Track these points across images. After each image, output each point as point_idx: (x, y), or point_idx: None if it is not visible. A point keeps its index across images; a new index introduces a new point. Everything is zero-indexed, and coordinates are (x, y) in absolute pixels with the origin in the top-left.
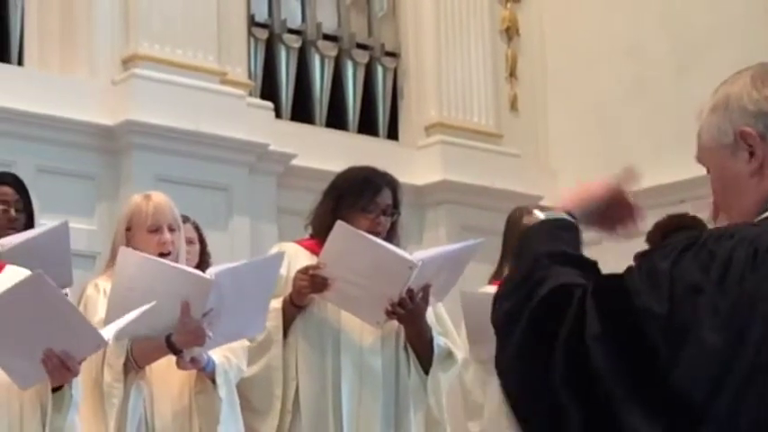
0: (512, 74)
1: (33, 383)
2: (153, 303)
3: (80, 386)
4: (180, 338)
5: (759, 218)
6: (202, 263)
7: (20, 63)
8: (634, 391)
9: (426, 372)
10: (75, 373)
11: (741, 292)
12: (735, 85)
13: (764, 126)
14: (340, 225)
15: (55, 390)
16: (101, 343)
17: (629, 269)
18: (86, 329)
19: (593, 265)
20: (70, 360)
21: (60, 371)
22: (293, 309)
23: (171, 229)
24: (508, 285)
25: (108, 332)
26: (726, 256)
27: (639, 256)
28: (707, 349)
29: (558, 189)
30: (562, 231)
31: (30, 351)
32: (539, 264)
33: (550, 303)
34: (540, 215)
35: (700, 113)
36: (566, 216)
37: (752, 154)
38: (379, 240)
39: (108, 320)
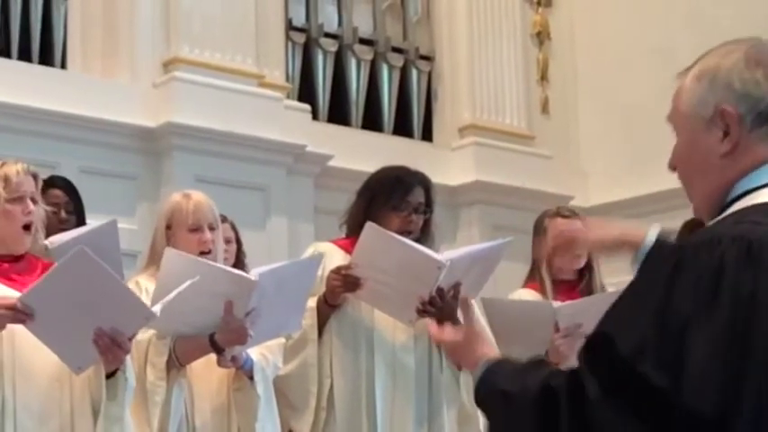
0: (543, 77)
1: (86, 366)
2: (197, 278)
3: (133, 371)
4: (223, 337)
5: (720, 217)
6: (238, 262)
7: (63, 67)
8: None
9: (459, 368)
10: (127, 351)
11: (737, 298)
12: (727, 59)
13: (746, 109)
14: (370, 226)
15: (109, 376)
16: (149, 316)
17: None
18: (134, 303)
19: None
20: (120, 337)
21: (112, 349)
22: (327, 308)
23: (211, 228)
24: None
25: (156, 306)
26: (716, 265)
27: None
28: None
29: (587, 189)
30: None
31: (80, 332)
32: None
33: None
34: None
35: (682, 73)
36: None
37: (726, 134)
38: (407, 241)
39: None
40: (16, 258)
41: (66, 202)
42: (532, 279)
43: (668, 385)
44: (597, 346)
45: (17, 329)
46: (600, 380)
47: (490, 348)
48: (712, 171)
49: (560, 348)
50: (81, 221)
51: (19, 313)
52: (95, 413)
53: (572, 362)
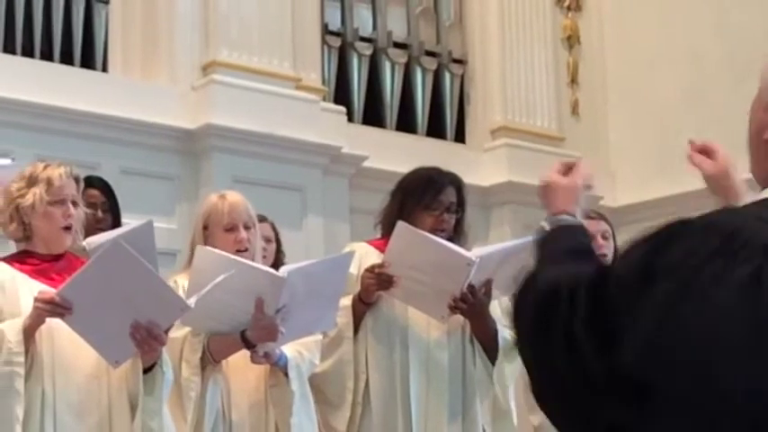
0: (573, 80)
1: (123, 359)
2: (232, 272)
3: (171, 364)
4: (254, 334)
5: (758, 197)
6: (277, 261)
7: (104, 70)
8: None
9: (492, 363)
10: (163, 343)
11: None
12: None
13: None
14: (401, 225)
15: (146, 371)
16: (184, 308)
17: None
18: (169, 296)
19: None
20: (156, 329)
21: (148, 341)
22: (362, 306)
23: (246, 227)
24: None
25: (191, 299)
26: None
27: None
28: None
29: (616, 190)
30: (565, 232)
31: (116, 325)
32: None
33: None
34: (545, 225)
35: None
36: (566, 217)
37: None
38: (437, 239)
39: (184, 319)
40: (56, 258)
41: (102, 202)
42: None
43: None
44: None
45: (56, 326)
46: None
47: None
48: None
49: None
50: (116, 220)
51: (57, 307)
52: (133, 408)
53: None
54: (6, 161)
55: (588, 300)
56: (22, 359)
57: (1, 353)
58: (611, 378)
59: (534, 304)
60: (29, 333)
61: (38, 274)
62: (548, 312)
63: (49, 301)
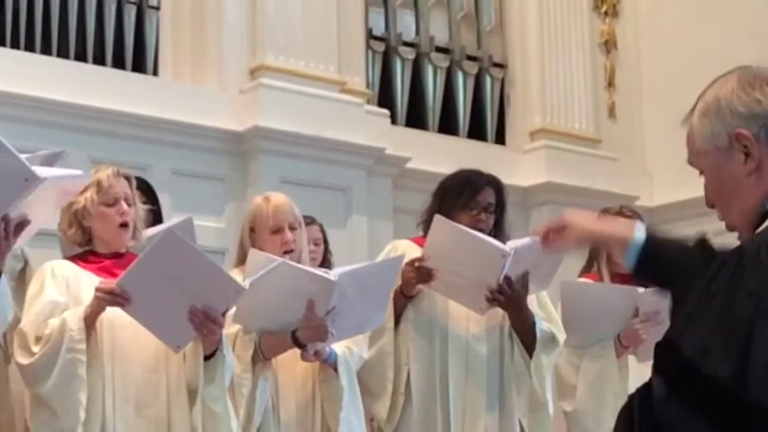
0: (610, 83)
1: (185, 344)
2: (282, 260)
3: (230, 349)
4: (304, 334)
5: (762, 227)
6: (325, 261)
7: (155, 74)
8: None
9: (530, 355)
10: (221, 326)
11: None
12: (723, 89)
13: (757, 127)
14: (438, 218)
15: (207, 359)
16: (239, 290)
17: None
18: (224, 279)
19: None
20: (214, 312)
21: (206, 324)
22: (403, 299)
23: (292, 228)
24: None
25: (246, 281)
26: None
27: None
28: None
29: (652, 189)
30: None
31: (175, 311)
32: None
33: None
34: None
35: (686, 118)
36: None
37: (747, 155)
38: (473, 231)
39: (237, 317)
40: (117, 256)
41: (143, 202)
42: (589, 270)
43: (732, 379)
44: (664, 351)
45: (116, 320)
46: (665, 380)
47: None
48: (745, 191)
49: (639, 332)
50: (158, 220)
51: (117, 297)
52: (191, 398)
53: (646, 346)
54: (77, 172)
55: None
56: (83, 346)
57: (63, 340)
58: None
59: None
60: (89, 321)
61: (101, 271)
62: None
63: (110, 292)
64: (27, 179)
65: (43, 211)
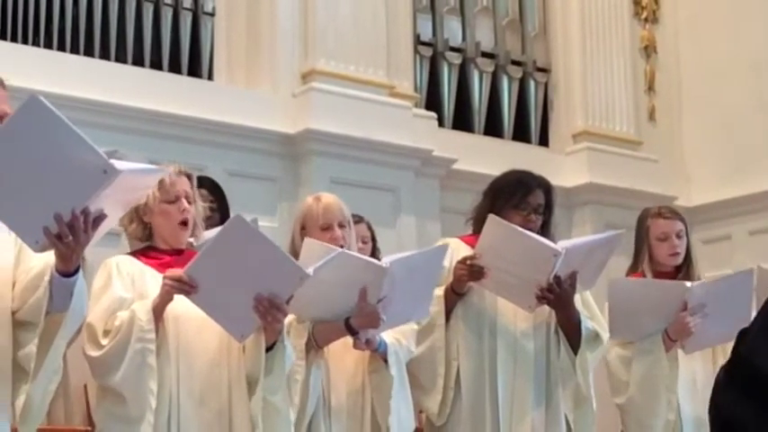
0: (650, 87)
1: (249, 333)
2: (340, 250)
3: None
4: (358, 321)
5: None
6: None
7: (210, 78)
8: None
9: (575, 352)
10: (285, 313)
11: None
12: None
13: None
14: (492, 218)
15: (268, 350)
16: (303, 276)
17: None
18: (289, 265)
19: None
20: (278, 299)
21: (271, 312)
22: (454, 296)
23: (341, 226)
24: None
25: (309, 268)
26: None
27: None
28: None
29: (690, 191)
30: None
31: (240, 299)
32: None
33: None
34: None
35: None
36: None
37: None
38: (526, 231)
39: (293, 307)
40: (178, 252)
41: (210, 201)
42: (634, 271)
43: None
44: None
45: (181, 315)
46: (726, 373)
47: None
48: None
49: (689, 325)
50: (225, 218)
51: (185, 285)
52: (251, 389)
53: (695, 339)
54: (152, 166)
55: None
56: (152, 336)
57: (133, 331)
58: None
59: None
60: (158, 311)
61: (162, 267)
62: None
63: (178, 279)
64: (106, 171)
65: (118, 207)
